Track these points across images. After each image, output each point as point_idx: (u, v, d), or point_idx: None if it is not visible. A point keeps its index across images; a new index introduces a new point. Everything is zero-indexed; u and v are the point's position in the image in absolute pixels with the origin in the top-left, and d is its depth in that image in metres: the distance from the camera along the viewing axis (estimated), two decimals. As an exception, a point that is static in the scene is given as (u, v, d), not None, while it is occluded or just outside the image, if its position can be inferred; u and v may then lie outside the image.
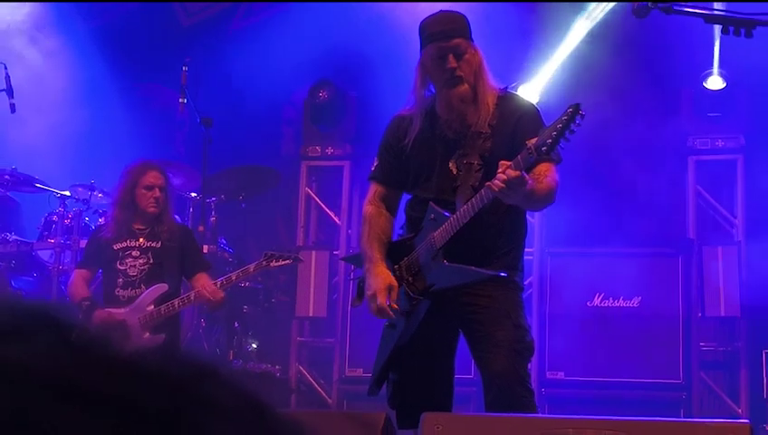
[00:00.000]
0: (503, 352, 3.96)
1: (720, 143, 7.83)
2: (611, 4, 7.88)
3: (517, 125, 3.99)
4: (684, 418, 7.23)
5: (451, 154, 4.06)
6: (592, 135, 8.41)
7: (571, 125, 3.67)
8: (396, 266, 4.13)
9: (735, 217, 7.79)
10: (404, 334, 4.08)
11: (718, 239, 7.73)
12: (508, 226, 4.10)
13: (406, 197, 4.37)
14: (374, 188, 4.34)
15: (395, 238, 4.27)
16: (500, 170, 3.70)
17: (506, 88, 4.18)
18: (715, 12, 3.98)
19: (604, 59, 8.08)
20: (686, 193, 7.88)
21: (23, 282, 7.93)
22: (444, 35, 4.06)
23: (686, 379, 7.34)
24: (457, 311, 4.07)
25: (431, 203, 4.05)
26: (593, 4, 8.00)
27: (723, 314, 7.47)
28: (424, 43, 4.11)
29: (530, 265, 7.76)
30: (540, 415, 4.19)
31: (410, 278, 4.09)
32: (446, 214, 3.97)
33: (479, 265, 3.97)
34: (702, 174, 7.93)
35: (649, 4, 4.01)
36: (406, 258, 4.12)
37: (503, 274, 4.00)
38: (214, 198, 8.04)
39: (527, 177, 3.74)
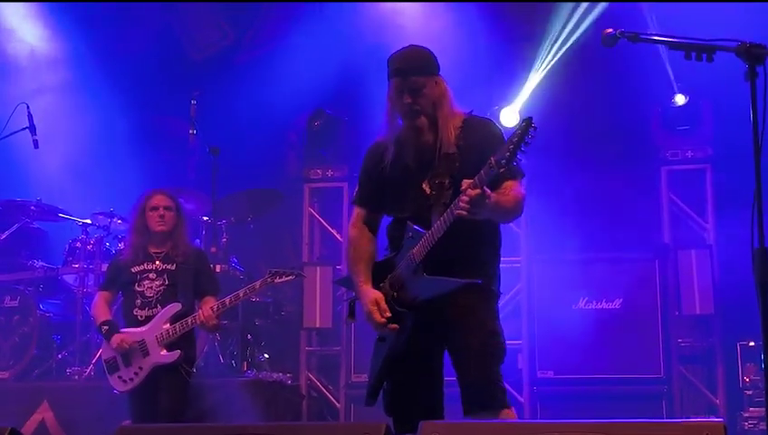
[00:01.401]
0: (476, 357, 3.98)
1: (690, 154, 7.89)
2: (579, 31, 7.95)
3: (483, 145, 3.99)
4: (666, 409, 7.28)
5: (424, 176, 4.10)
6: (573, 151, 8.48)
7: (526, 138, 3.70)
8: (381, 284, 4.17)
9: (707, 222, 7.84)
10: (393, 346, 4.11)
11: (691, 243, 7.77)
12: (482, 237, 4.11)
13: (387, 219, 4.40)
14: (356, 212, 4.36)
15: (380, 258, 4.30)
16: (462, 188, 3.78)
17: (471, 112, 4.22)
18: (678, 39, 3.97)
19: (577, 82, 8.14)
20: (661, 201, 7.92)
21: (50, 305, 7.96)
22: (401, 72, 4.11)
23: (666, 373, 7.38)
24: (439, 321, 4.08)
25: (408, 222, 4.09)
26: (565, 31, 8.06)
27: (698, 311, 7.52)
28: (388, 76, 4.18)
29: (518, 271, 7.81)
30: (528, 421, 4.22)
31: (395, 293, 4.12)
32: (422, 231, 4.00)
33: (457, 275, 4.00)
34: (674, 183, 7.97)
35: (617, 33, 4.02)
36: (390, 275, 4.15)
37: (478, 281, 4.02)
38: (224, 221, 8.07)
39: (489, 192, 3.78)
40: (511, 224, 7.71)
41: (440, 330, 4.09)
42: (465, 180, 3.81)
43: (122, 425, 4.64)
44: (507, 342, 7.73)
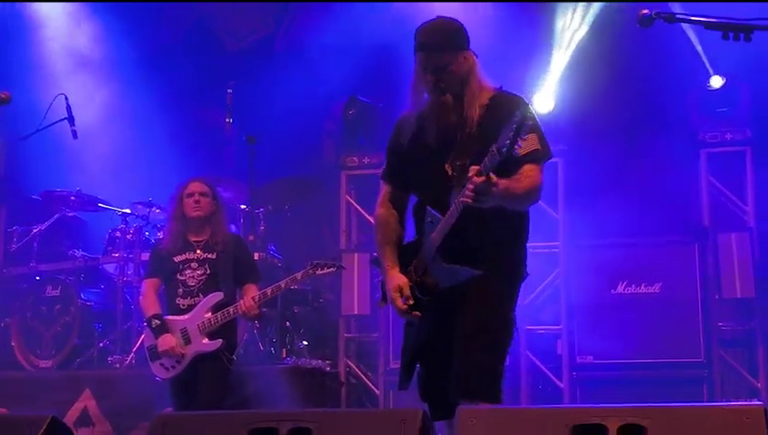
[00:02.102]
0: (477, 345, 3.87)
1: (729, 136, 7.79)
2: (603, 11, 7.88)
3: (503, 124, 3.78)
4: (707, 394, 7.23)
5: (446, 156, 3.96)
6: (610, 135, 8.42)
7: (525, 123, 3.58)
8: (408, 268, 4.06)
9: (746, 205, 7.74)
10: (420, 331, 4.03)
11: (731, 226, 7.68)
12: (502, 221, 3.95)
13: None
14: (384, 189, 4.25)
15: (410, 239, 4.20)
16: (468, 175, 3.67)
17: (500, 87, 4.06)
18: (715, 19, 3.91)
19: (612, 66, 8.07)
20: (700, 184, 7.83)
21: (91, 294, 8.03)
22: (426, 48, 3.97)
23: (707, 357, 7.32)
24: (456, 308, 3.95)
25: (428, 207, 3.96)
26: (591, 12, 8.00)
27: (738, 295, 7.42)
28: (414, 50, 4.01)
29: (556, 257, 7.78)
30: (567, 405, 4.18)
31: (419, 279, 4.02)
32: (439, 216, 3.89)
33: (474, 261, 3.88)
34: (713, 165, 7.88)
35: (653, 13, 3.97)
36: (414, 260, 4.05)
37: (484, 272, 3.88)
38: (262, 209, 8.09)
39: (496, 179, 3.66)
40: (548, 209, 7.80)
41: (457, 313, 3.96)
42: (471, 167, 3.69)
43: (162, 412, 4.68)
44: (546, 327, 7.75)
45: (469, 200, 3.67)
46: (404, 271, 4.07)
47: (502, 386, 3.91)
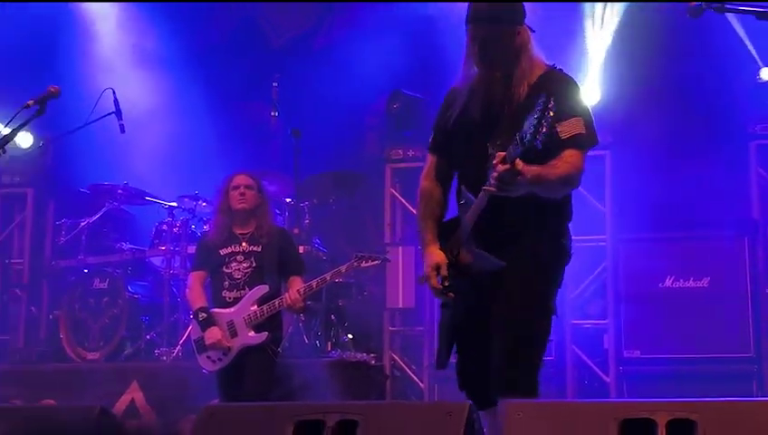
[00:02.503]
0: (511, 334, 3.76)
1: (780, 127, 7.68)
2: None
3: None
4: (756, 389, 7.13)
5: (489, 135, 3.80)
6: (660, 129, 8.33)
7: (546, 113, 3.46)
8: (446, 245, 3.95)
9: (797, 197, 7.64)
10: (456, 315, 3.93)
11: (781, 218, 7.58)
12: (536, 206, 3.80)
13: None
14: (430, 160, 4.13)
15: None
16: (493, 163, 3.55)
17: (553, 65, 3.91)
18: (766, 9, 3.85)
19: (657, 59, 8.00)
20: (749, 176, 7.72)
21: (138, 286, 8.10)
22: (476, 20, 3.84)
23: (756, 352, 7.22)
24: (491, 293, 3.83)
25: (463, 187, 3.86)
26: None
27: (789, 289, 7.33)
28: (465, 21, 3.88)
29: (603, 251, 7.72)
30: (616, 399, 4.13)
31: (453, 259, 3.90)
32: (472, 198, 3.78)
33: (507, 246, 3.77)
34: (763, 158, 7.76)
35: (703, 4, 3.92)
36: (452, 238, 3.93)
37: (502, 264, 3.78)
38: (306, 202, 8.12)
39: (523, 167, 3.52)
40: (595, 201, 7.74)
41: (492, 297, 3.85)
42: (498, 154, 3.56)
43: (209, 404, 4.71)
44: (592, 321, 7.69)
45: (493, 189, 3.57)
46: (444, 246, 3.96)
47: (538, 378, 3.81)
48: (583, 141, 3.76)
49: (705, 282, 7.40)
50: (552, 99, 3.46)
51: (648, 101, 8.15)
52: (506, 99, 3.83)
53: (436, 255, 3.94)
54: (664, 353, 7.33)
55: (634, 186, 7.86)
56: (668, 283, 7.46)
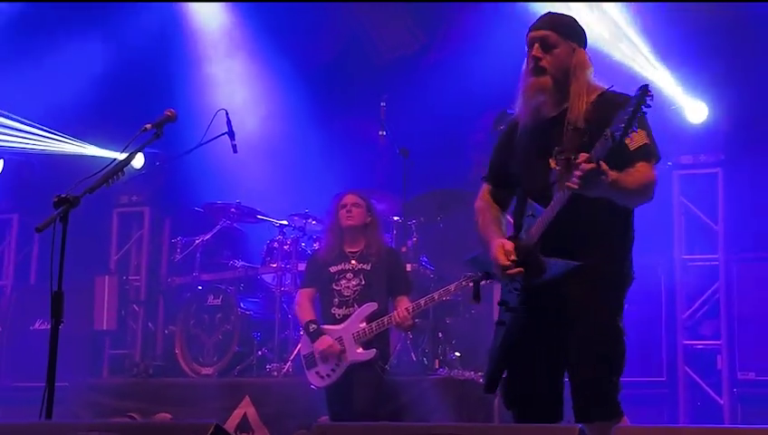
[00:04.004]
0: (586, 359, 3.72)
1: None
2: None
3: (612, 119, 3.63)
4: None
5: (550, 150, 3.81)
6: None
7: (642, 107, 3.44)
8: None
9: None
10: (511, 331, 3.88)
11: None
12: (606, 217, 3.80)
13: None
14: (483, 188, 4.17)
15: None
16: (578, 162, 3.52)
17: (611, 87, 3.91)
18: None
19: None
20: None
21: (250, 303, 8.23)
22: (536, 26, 3.92)
23: None
24: (557, 309, 3.79)
25: (529, 199, 3.84)
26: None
27: None
28: (526, 36, 3.94)
29: (715, 270, 7.55)
30: (729, 426, 4.02)
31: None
32: (541, 209, 3.77)
33: (575, 258, 3.72)
34: None
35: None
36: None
37: (604, 263, 3.75)
38: (414, 221, 8.13)
39: (606, 168, 3.51)
40: (707, 220, 7.57)
41: (558, 319, 3.82)
42: (582, 154, 3.55)
43: (319, 422, 4.77)
44: (705, 342, 7.51)
45: (576, 186, 3.53)
46: None
47: (619, 398, 3.75)
48: (651, 152, 3.76)
49: (822, 303, 7.17)
50: (648, 90, 3.47)
51: (759, 116, 7.94)
52: (564, 115, 3.84)
53: (501, 239, 3.90)
54: (780, 376, 7.12)
55: (748, 203, 7.67)
56: (785, 303, 7.25)
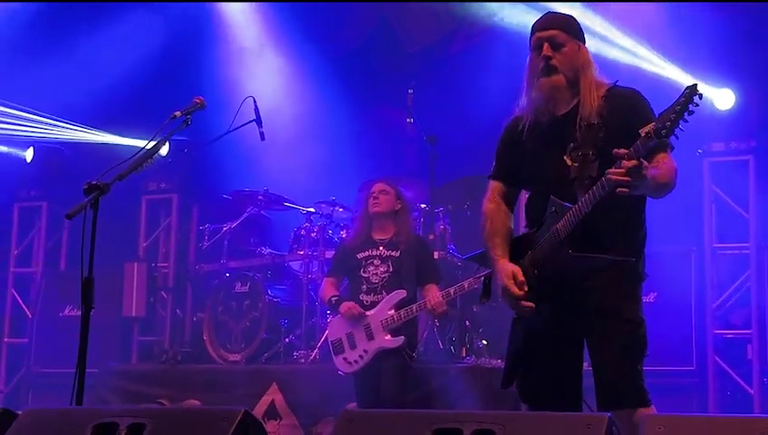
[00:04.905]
0: (610, 349, 3.76)
1: None
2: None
3: (629, 114, 3.76)
4: None
5: (565, 147, 3.85)
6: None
7: (690, 106, 3.45)
8: (521, 261, 3.91)
9: None
10: (531, 327, 3.89)
11: None
12: (628, 214, 3.85)
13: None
14: (492, 186, 4.16)
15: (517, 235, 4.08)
16: (622, 159, 3.53)
17: (616, 82, 3.95)
18: None
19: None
20: None
21: (277, 290, 8.25)
22: (542, 27, 3.97)
23: None
24: (579, 305, 3.82)
25: (552, 196, 3.82)
26: None
27: None
28: (530, 40, 3.99)
29: (746, 258, 7.49)
30: (759, 416, 4.00)
31: (535, 271, 3.86)
32: (568, 205, 3.76)
33: (604, 253, 3.75)
34: None
35: None
36: (530, 252, 3.90)
37: (631, 259, 3.77)
38: (441, 208, 8.13)
39: (646, 163, 3.54)
40: (738, 208, 7.51)
41: (579, 315, 3.84)
42: (618, 150, 3.55)
43: (346, 408, 4.79)
44: (735, 331, 7.47)
45: (625, 189, 3.54)
46: (514, 263, 3.92)
47: (646, 386, 3.78)
48: (667, 143, 3.72)
49: None
50: (696, 89, 3.48)
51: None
52: (577, 111, 3.87)
53: (510, 265, 3.91)
54: (813, 365, 7.07)
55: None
56: (817, 292, 7.19)
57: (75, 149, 9.87)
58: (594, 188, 3.68)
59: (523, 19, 8.56)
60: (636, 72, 7.83)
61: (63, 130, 9.79)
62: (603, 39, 8.08)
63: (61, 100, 9.53)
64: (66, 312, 9.05)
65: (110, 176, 4.11)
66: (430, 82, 8.77)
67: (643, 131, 3.52)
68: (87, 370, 3.92)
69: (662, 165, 3.72)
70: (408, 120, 7.96)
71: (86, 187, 4.00)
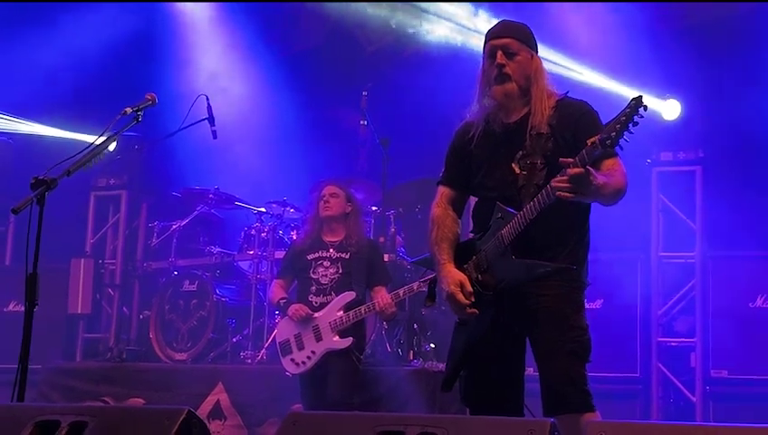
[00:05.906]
0: (557, 355, 3.80)
1: None
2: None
3: (578, 125, 3.84)
4: None
5: (513, 155, 3.91)
6: (751, 143, 8.17)
7: (635, 117, 3.51)
8: (465, 266, 3.96)
9: None
10: (474, 332, 3.93)
11: None
12: (572, 222, 3.92)
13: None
14: (441, 191, 4.19)
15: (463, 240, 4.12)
16: (568, 167, 3.58)
17: (566, 93, 4.02)
18: None
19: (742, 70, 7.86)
20: None
21: (225, 289, 8.21)
22: (496, 35, 4.01)
23: None
24: (522, 309, 3.87)
25: (498, 203, 3.88)
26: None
27: None
28: (483, 48, 4.03)
29: (692, 267, 7.59)
30: (700, 423, 4.07)
31: (479, 276, 3.91)
32: (513, 211, 3.82)
33: (546, 260, 3.81)
34: None
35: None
36: (474, 257, 3.95)
37: (572, 267, 3.84)
38: (393, 211, 8.14)
39: (594, 172, 3.59)
40: (685, 218, 7.62)
41: (522, 319, 3.90)
42: (564, 159, 3.61)
43: (293, 410, 4.77)
44: (679, 339, 7.55)
45: (567, 194, 3.58)
46: (459, 268, 3.97)
47: (590, 391, 3.82)
48: (612, 153, 3.78)
49: (797, 303, 7.24)
50: (641, 101, 3.53)
51: (736, 113, 7.99)
52: (527, 120, 3.93)
53: (456, 273, 3.95)
54: (753, 374, 7.18)
55: (726, 202, 7.72)
56: (759, 302, 7.30)
57: (22, 143, 9.74)
58: (539, 195, 3.74)
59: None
60: (584, 89, 7.90)
61: (9, 122, 9.66)
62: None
63: (6, 92, 9.40)
64: (11, 307, 8.91)
65: (57, 171, 4.07)
66: (385, 85, 8.78)
67: (589, 141, 3.57)
68: (30, 366, 3.88)
69: (613, 171, 3.77)
70: (362, 122, 7.97)
71: (33, 181, 3.96)
